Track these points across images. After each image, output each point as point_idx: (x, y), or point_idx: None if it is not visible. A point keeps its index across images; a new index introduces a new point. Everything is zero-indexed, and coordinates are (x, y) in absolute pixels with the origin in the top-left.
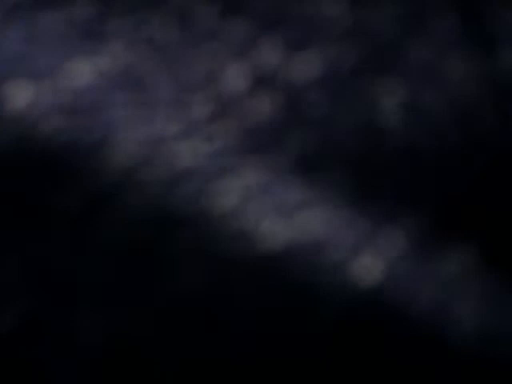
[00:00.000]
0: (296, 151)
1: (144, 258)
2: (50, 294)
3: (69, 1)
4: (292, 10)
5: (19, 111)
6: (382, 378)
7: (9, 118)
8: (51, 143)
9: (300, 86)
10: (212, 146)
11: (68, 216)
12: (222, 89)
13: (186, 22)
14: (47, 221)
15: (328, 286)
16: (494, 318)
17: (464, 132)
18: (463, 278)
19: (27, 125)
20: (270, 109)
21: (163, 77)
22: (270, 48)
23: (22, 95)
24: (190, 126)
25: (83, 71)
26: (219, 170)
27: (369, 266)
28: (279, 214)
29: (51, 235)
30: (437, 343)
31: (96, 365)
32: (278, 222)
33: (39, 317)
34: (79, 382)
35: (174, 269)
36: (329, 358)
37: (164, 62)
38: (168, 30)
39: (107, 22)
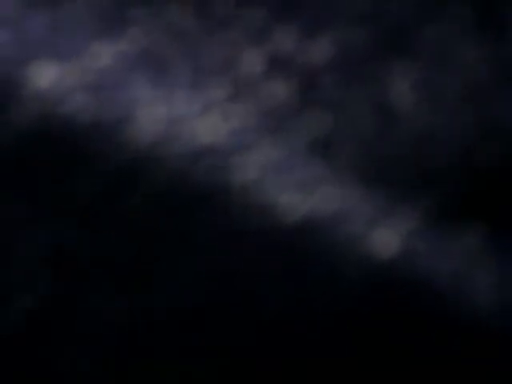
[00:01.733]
0: (312, 132)
1: (167, 233)
2: (71, 275)
3: None
4: None
5: (43, 90)
6: (400, 351)
7: (33, 97)
8: (74, 121)
9: (314, 69)
10: (230, 124)
11: (91, 193)
12: (239, 73)
13: (203, 9)
14: (70, 199)
15: (346, 258)
16: (511, 290)
17: (477, 114)
18: (479, 251)
19: (51, 104)
20: (285, 91)
21: (181, 60)
22: (285, 32)
23: (46, 75)
24: (208, 106)
25: (104, 53)
26: (238, 147)
27: (386, 240)
28: (298, 188)
29: (74, 213)
30: (454, 316)
31: (112, 346)
32: (296, 196)
33: (57, 299)
34: (96, 362)
35: (195, 243)
36: (348, 330)
37: (182, 46)
38: (186, 17)
39: (127, 9)
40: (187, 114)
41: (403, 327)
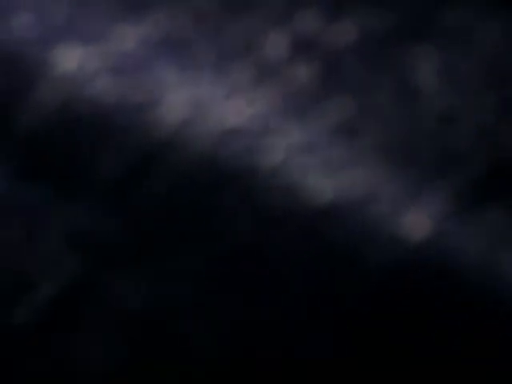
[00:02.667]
0: (336, 114)
1: (192, 216)
2: (96, 257)
3: None
4: None
5: (69, 73)
6: (430, 331)
7: (59, 79)
8: (100, 104)
9: (338, 53)
10: (255, 107)
11: (116, 177)
12: (262, 56)
13: None
14: (96, 181)
15: (375, 240)
16: None
17: (499, 94)
18: (508, 234)
19: (77, 86)
20: (309, 75)
21: (205, 44)
22: (308, 16)
23: (71, 57)
24: (232, 89)
25: (129, 36)
26: (264, 129)
27: (416, 222)
28: (325, 170)
29: (100, 197)
30: (486, 297)
31: (136, 327)
32: (324, 177)
33: (83, 280)
34: (118, 343)
35: (222, 225)
36: (377, 312)
37: (205, 30)
38: (209, 0)
39: None
40: (212, 97)
41: (433, 309)
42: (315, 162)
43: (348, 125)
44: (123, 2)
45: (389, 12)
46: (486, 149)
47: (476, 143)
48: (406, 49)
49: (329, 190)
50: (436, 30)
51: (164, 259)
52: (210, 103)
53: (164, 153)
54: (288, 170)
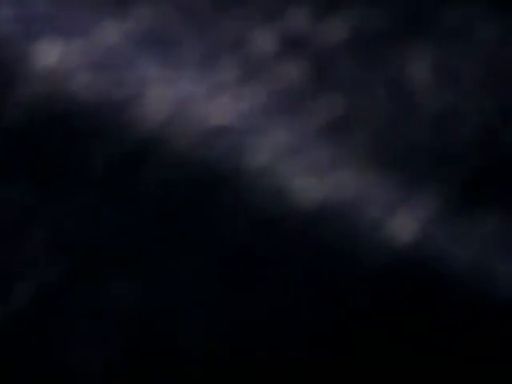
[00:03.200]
0: (325, 113)
1: (176, 216)
2: (80, 256)
3: None
4: None
5: (50, 67)
6: (419, 331)
7: (40, 73)
8: (81, 99)
9: (328, 50)
10: (241, 105)
11: (97, 174)
12: (250, 52)
13: None
14: (76, 179)
15: (363, 243)
16: None
17: (495, 94)
18: (497, 237)
19: (57, 81)
20: (298, 72)
21: (190, 39)
22: (298, 13)
23: (52, 52)
24: (217, 86)
25: (111, 31)
26: (249, 129)
27: (404, 225)
28: (312, 172)
29: (80, 194)
30: (473, 300)
31: (132, 327)
32: (310, 180)
33: (70, 280)
34: (106, 344)
35: (207, 225)
36: (367, 313)
37: (191, 25)
38: None
39: None
40: (196, 94)
41: (422, 311)
42: (303, 163)
43: (337, 125)
44: (104, 1)
45: (381, 10)
46: (476, 152)
47: (466, 146)
48: (398, 47)
49: (317, 193)
50: (429, 28)
51: (151, 259)
52: (194, 100)
53: (146, 151)
54: (275, 172)
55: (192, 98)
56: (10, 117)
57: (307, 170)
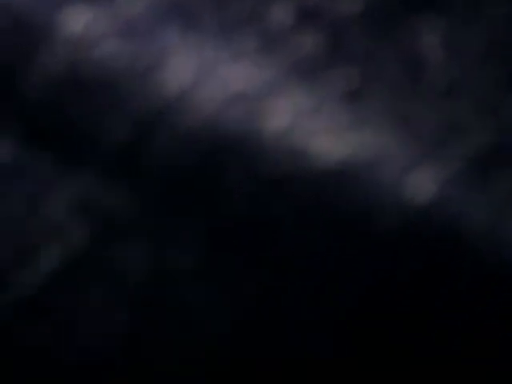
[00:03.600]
0: (341, 81)
1: (198, 179)
2: (98, 226)
3: None
4: None
5: (76, 35)
6: (433, 291)
7: (65, 41)
8: (106, 66)
9: (343, 22)
10: (260, 72)
11: (120, 140)
12: (268, 25)
13: None
14: (101, 145)
15: (381, 203)
16: None
17: (504, 67)
18: None
19: (83, 48)
20: (314, 43)
21: (211, 11)
22: None
23: (78, 20)
24: (237, 54)
25: (136, 0)
26: (270, 93)
27: (421, 185)
28: (330, 133)
29: (102, 161)
30: (488, 261)
31: (137, 296)
32: (329, 141)
33: (89, 249)
34: (120, 310)
35: (226, 191)
36: (384, 276)
37: None
38: None
39: None
40: (217, 62)
41: (437, 271)
42: (321, 125)
43: (353, 91)
44: None
45: None
46: (491, 118)
47: (481, 112)
48: (412, 19)
49: (335, 154)
50: (442, 1)
51: (169, 227)
52: (214, 67)
53: (168, 117)
54: (294, 134)
55: (212, 65)
56: (35, 84)
57: (326, 132)
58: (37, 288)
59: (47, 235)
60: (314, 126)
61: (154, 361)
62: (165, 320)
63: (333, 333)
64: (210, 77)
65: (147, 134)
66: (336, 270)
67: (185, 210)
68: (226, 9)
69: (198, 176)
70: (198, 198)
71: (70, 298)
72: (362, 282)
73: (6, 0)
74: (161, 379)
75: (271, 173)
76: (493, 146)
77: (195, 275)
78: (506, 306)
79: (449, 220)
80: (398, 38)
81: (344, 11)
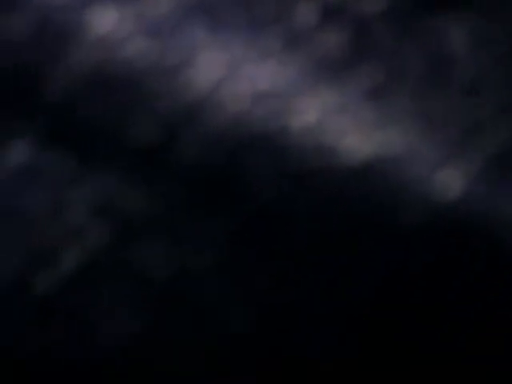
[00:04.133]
0: (366, 79)
1: (225, 177)
2: (119, 227)
3: None
4: None
5: (103, 35)
6: (459, 287)
7: (93, 41)
8: (134, 66)
9: (368, 19)
10: (287, 70)
11: (147, 139)
12: (293, 23)
13: None
14: (128, 144)
15: (408, 200)
16: None
17: None
18: None
19: (110, 48)
20: (339, 41)
21: (237, 11)
22: None
23: (105, 19)
24: (264, 53)
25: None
26: (296, 91)
27: (449, 182)
28: (358, 131)
29: (130, 159)
30: None
31: (161, 297)
32: (357, 138)
33: (110, 249)
34: (140, 309)
35: (254, 185)
36: (410, 271)
37: None
38: None
39: None
40: (244, 60)
41: (463, 268)
42: (348, 123)
43: (379, 89)
44: None
45: None
46: None
47: (508, 108)
48: (437, 16)
49: (362, 151)
50: None
51: (195, 225)
52: (242, 65)
53: (196, 115)
54: (321, 131)
55: (240, 63)
56: (61, 83)
57: (353, 129)
58: (57, 289)
59: (68, 236)
60: (341, 123)
61: (174, 359)
62: (186, 318)
63: (347, 326)
64: (237, 75)
65: (173, 133)
66: (361, 263)
67: (210, 209)
68: (252, 7)
69: (224, 175)
70: (224, 197)
71: (90, 298)
72: (390, 276)
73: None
74: (181, 377)
75: (298, 170)
76: None
77: (218, 274)
78: None
79: (476, 217)
80: (423, 35)
81: (368, 9)
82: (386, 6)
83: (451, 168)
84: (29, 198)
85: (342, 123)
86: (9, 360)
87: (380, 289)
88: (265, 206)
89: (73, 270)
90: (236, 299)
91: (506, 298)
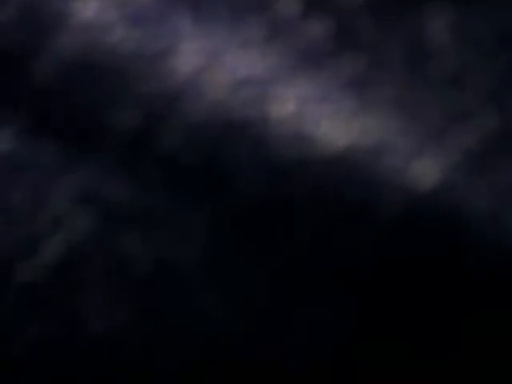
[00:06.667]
0: (347, 69)
1: (205, 165)
2: (103, 216)
3: None
4: None
5: (87, 21)
6: (435, 275)
7: (77, 28)
8: (116, 53)
9: (349, 9)
10: (268, 59)
11: (130, 125)
12: (276, 13)
13: None
14: (110, 131)
15: (385, 188)
16: None
17: (510, 54)
18: None
19: (94, 35)
20: (321, 32)
21: (220, 0)
22: None
23: (89, 6)
24: (246, 41)
25: None
26: (276, 80)
27: (425, 171)
28: (336, 119)
29: (112, 147)
30: (491, 248)
31: (142, 289)
32: (335, 126)
33: (92, 239)
34: (123, 300)
35: (234, 174)
36: (386, 261)
37: None
38: None
39: None
40: (225, 48)
41: (440, 257)
42: (327, 111)
43: (359, 79)
44: None
45: None
46: (497, 104)
47: (487, 98)
48: (419, 6)
49: (340, 139)
50: None
51: (177, 215)
52: (224, 54)
53: (177, 102)
54: (300, 120)
55: (221, 51)
56: (45, 71)
57: (331, 118)
58: (40, 278)
59: (51, 225)
60: (320, 112)
61: (155, 352)
62: (169, 310)
63: (340, 320)
64: (219, 63)
65: (155, 120)
66: (338, 255)
67: (193, 197)
68: (230, 3)
69: (205, 161)
70: (207, 185)
71: (72, 288)
72: (368, 266)
73: None
74: (164, 370)
75: (277, 158)
76: (497, 133)
77: (204, 265)
78: (506, 292)
79: (452, 207)
80: (405, 25)
81: (350, 1)
82: None
83: (429, 158)
84: (12, 187)
85: (322, 112)
86: None
87: (358, 279)
88: (244, 195)
89: (56, 259)
90: (216, 292)
91: (483, 287)
